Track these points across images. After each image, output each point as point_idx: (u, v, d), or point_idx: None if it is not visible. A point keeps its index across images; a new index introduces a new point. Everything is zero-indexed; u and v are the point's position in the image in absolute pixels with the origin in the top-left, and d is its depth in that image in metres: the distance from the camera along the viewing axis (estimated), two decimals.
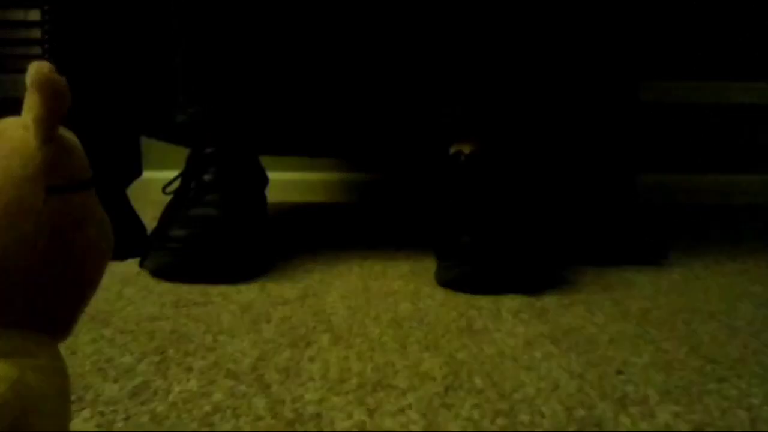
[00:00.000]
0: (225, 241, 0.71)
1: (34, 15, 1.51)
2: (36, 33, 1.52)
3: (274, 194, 0.91)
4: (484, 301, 0.64)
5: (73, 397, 0.40)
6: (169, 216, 0.76)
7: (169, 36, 0.81)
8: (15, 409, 0.21)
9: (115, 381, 0.44)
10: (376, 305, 0.63)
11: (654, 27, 1.46)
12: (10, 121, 0.25)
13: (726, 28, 1.52)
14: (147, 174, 1.02)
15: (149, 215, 0.94)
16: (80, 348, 0.50)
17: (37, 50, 1.50)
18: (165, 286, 0.68)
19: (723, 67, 1.54)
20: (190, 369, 0.46)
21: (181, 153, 0.84)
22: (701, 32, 1.52)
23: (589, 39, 0.89)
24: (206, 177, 0.77)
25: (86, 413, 0.39)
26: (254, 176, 0.82)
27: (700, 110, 1.56)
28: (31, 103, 0.23)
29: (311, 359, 0.48)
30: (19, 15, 1.53)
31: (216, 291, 0.67)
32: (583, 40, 0.89)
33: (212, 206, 0.74)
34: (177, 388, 0.43)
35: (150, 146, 1.01)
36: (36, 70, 0.23)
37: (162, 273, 0.71)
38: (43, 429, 0.22)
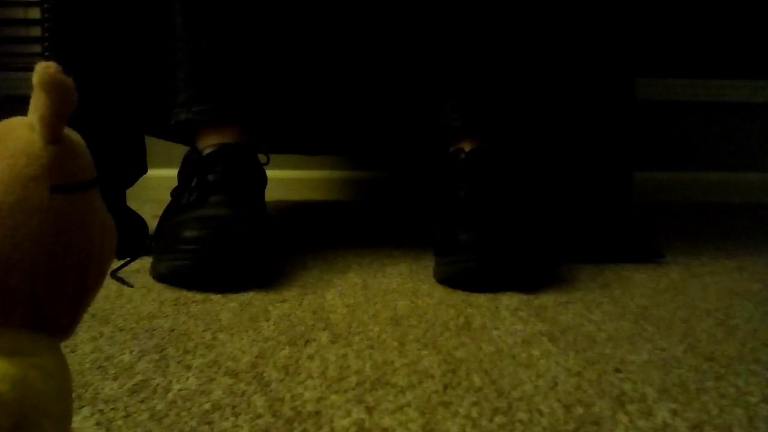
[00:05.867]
0: (241, 241, 0.68)
1: (34, 13, 1.51)
2: (36, 31, 1.52)
3: (272, 192, 0.91)
4: (483, 299, 0.64)
5: (72, 395, 0.40)
6: (172, 219, 0.73)
7: (171, 33, 0.80)
8: (17, 408, 0.21)
9: (115, 379, 0.44)
10: (374, 303, 0.63)
11: (649, 25, 1.46)
12: (16, 121, 0.25)
13: (721, 27, 1.52)
14: (147, 172, 1.02)
15: (148, 213, 0.94)
16: (80, 346, 0.50)
17: (38, 48, 1.50)
18: (164, 285, 0.68)
19: (721, 65, 1.54)
20: (189, 367, 0.46)
21: (181, 151, 0.83)
22: (696, 30, 1.52)
23: (585, 37, 0.89)
24: (211, 177, 0.74)
25: (86, 411, 0.39)
26: (257, 176, 0.81)
27: (697, 108, 1.56)
28: (37, 103, 0.23)
29: (310, 357, 0.48)
30: (19, 13, 1.53)
31: (214, 289, 0.67)
32: (579, 39, 0.89)
33: (222, 206, 0.71)
34: (176, 386, 0.43)
35: (149, 144, 1.01)
36: (42, 70, 0.23)
37: (177, 277, 0.68)
38: (45, 428, 0.22)
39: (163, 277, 0.69)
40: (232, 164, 0.75)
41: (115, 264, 0.74)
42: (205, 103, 0.78)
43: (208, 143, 0.77)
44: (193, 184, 0.74)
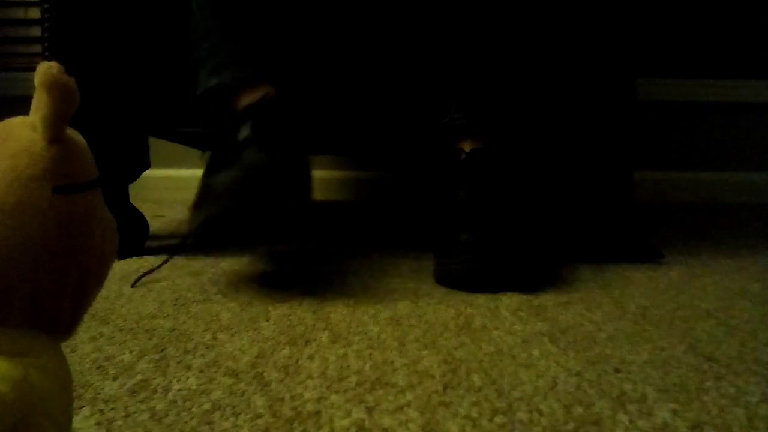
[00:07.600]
0: (273, 191, 0.65)
1: (34, 13, 1.51)
2: (36, 31, 1.52)
3: None
4: (483, 299, 0.64)
5: (72, 395, 0.40)
6: (209, 177, 0.70)
7: (173, 28, 0.79)
8: (19, 408, 0.21)
9: (115, 379, 0.44)
10: (374, 303, 0.63)
11: (650, 25, 1.46)
12: (18, 121, 0.25)
13: (721, 27, 1.52)
14: (145, 172, 1.01)
15: (149, 213, 0.94)
16: (80, 346, 0.50)
17: (38, 48, 1.50)
18: (164, 285, 0.68)
19: (721, 65, 1.54)
20: (189, 367, 0.46)
21: (182, 151, 0.83)
22: (697, 31, 1.52)
23: (586, 38, 0.89)
24: (244, 132, 0.70)
25: (86, 411, 0.39)
26: (294, 126, 0.75)
27: (698, 108, 1.56)
28: (39, 103, 0.24)
29: (310, 357, 0.48)
30: (19, 13, 1.53)
31: (215, 289, 0.67)
32: (580, 39, 0.89)
33: (255, 155, 0.67)
34: (176, 386, 0.43)
35: (150, 145, 1.01)
36: (45, 70, 0.23)
37: (210, 227, 0.65)
38: (45, 428, 0.22)
39: (199, 227, 0.66)
40: (266, 117, 0.72)
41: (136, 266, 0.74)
42: (240, 65, 0.75)
43: (240, 106, 0.74)
44: (229, 142, 0.71)
